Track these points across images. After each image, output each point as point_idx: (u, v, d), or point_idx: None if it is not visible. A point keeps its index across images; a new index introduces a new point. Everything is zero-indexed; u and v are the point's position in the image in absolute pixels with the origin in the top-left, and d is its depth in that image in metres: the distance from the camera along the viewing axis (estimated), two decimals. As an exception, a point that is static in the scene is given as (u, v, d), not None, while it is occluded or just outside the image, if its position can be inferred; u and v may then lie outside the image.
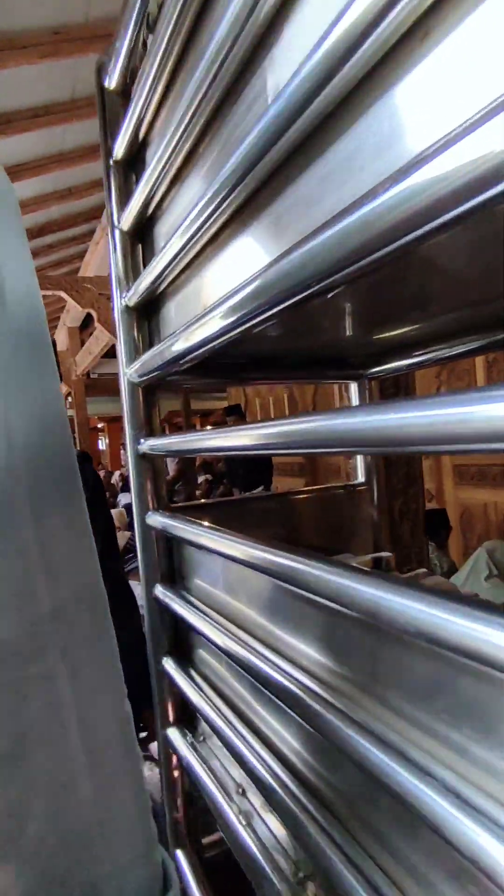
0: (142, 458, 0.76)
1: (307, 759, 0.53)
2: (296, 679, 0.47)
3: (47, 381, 0.41)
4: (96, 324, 4.72)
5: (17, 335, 0.38)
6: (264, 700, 0.61)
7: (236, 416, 4.60)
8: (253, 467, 4.44)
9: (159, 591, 0.75)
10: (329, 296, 0.38)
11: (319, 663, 0.49)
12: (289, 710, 0.48)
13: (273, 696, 0.50)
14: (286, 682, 0.48)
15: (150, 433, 0.76)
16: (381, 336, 0.87)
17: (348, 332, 0.84)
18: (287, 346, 0.86)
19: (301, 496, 0.97)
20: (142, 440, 0.75)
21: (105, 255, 5.04)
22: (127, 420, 0.77)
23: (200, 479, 6.39)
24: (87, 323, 6.08)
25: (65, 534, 0.42)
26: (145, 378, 0.73)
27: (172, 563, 0.78)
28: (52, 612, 0.40)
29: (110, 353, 4.99)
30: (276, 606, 0.57)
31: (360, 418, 0.32)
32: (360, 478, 1.00)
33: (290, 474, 5.03)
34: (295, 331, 0.79)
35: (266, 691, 0.51)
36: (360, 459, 1.00)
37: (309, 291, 0.35)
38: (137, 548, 0.78)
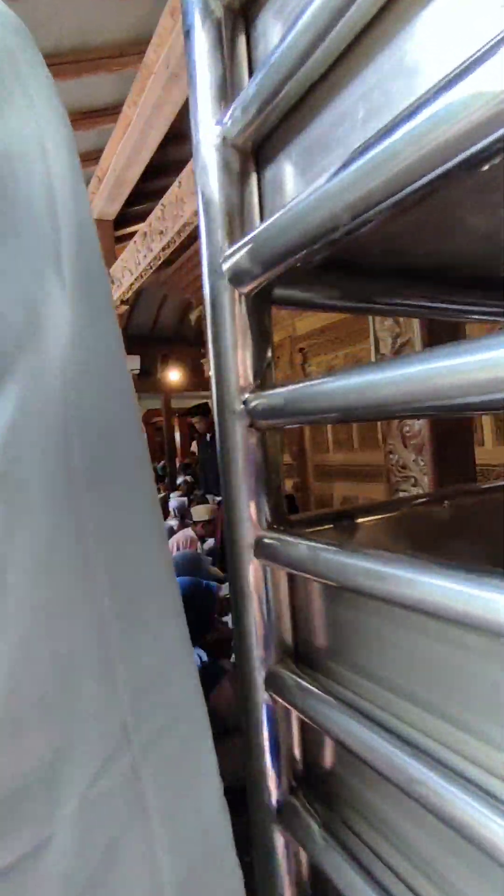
0: (247, 429, 0.40)
1: None
2: None
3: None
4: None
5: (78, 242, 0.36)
6: None
7: (200, 416, 4.21)
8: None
9: (284, 677, 0.40)
10: None
11: None
12: None
13: None
14: None
15: (263, 384, 0.40)
16: None
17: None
18: (463, 254, 0.52)
19: (448, 501, 0.62)
20: (247, 394, 0.40)
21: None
22: (213, 362, 0.41)
23: (179, 480, 5.96)
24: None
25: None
26: (256, 277, 0.38)
27: (298, 628, 0.42)
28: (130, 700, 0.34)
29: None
30: None
31: None
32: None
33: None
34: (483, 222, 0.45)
35: None
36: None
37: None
38: (231, 599, 0.42)
